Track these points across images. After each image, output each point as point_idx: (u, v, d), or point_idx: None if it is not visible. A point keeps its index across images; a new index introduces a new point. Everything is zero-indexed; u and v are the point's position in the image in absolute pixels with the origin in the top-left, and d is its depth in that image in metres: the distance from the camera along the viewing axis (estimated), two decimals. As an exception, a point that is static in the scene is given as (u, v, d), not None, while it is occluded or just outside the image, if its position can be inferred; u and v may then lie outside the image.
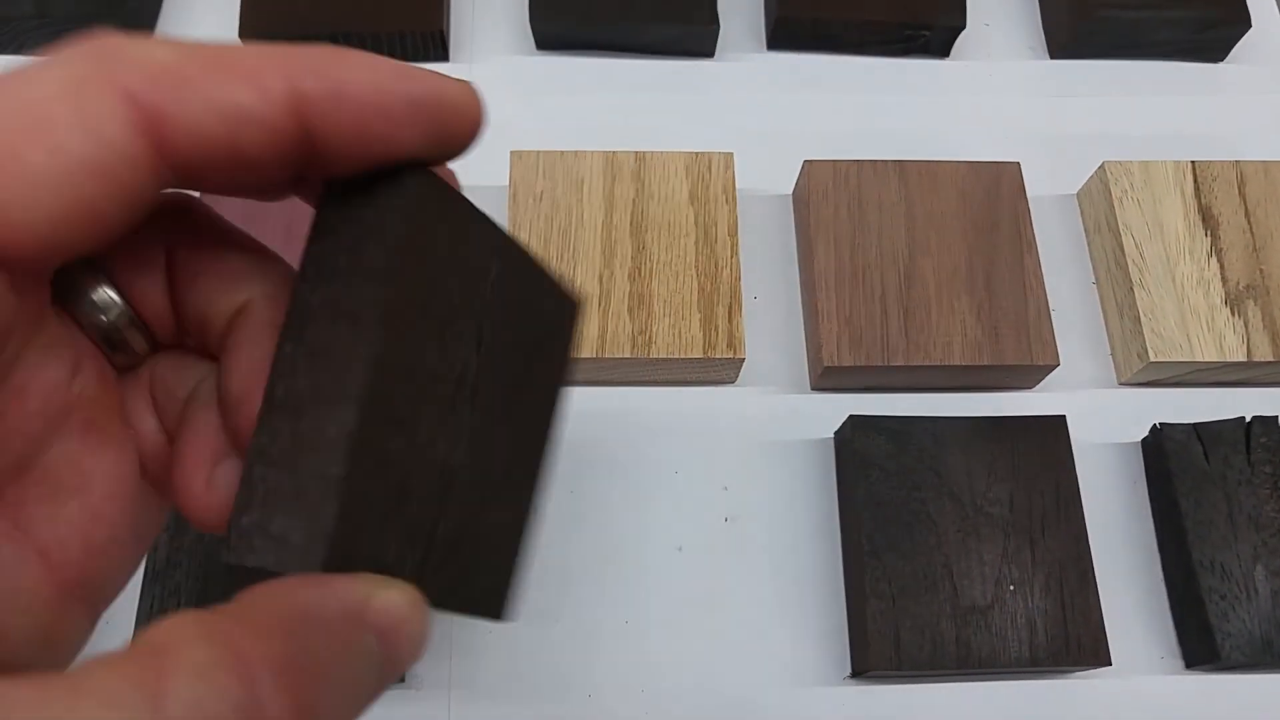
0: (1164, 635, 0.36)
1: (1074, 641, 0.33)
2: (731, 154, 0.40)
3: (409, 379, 0.17)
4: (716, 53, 0.45)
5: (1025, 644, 0.33)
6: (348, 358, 0.16)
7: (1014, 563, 0.34)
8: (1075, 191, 0.43)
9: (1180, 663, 0.35)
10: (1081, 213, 0.43)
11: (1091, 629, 0.34)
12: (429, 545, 0.18)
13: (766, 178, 0.42)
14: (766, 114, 0.44)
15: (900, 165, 0.40)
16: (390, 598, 0.16)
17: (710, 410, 0.38)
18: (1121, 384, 0.40)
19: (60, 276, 0.16)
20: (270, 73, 0.15)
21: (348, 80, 0.16)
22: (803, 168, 0.41)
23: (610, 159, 0.40)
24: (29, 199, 0.14)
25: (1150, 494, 0.38)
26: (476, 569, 0.20)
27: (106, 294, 0.17)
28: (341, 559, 0.15)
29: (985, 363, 0.37)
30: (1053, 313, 0.40)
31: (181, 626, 0.14)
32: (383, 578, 0.16)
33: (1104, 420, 0.39)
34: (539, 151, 0.40)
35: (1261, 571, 0.35)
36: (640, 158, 0.40)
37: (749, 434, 0.38)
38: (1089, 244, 0.42)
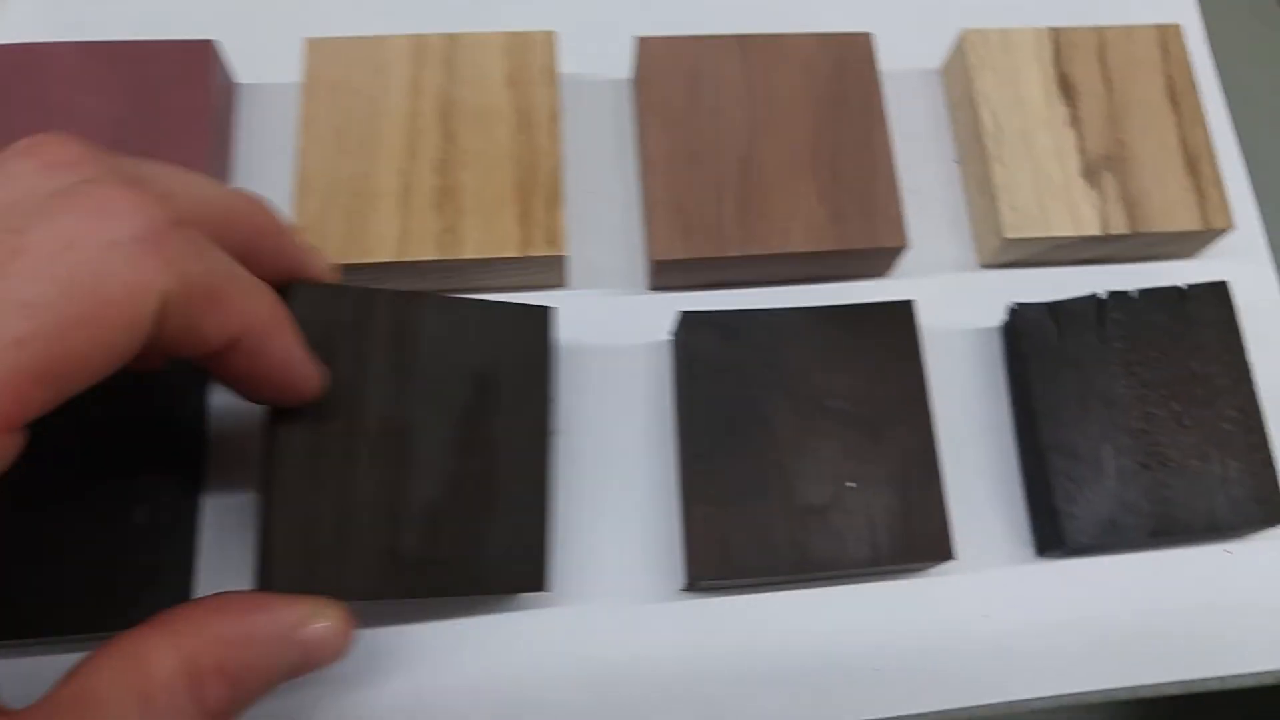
0: (1018, 525, 0.34)
1: (917, 537, 0.32)
2: (553, 32, 0.37)
3: (332, 447, 0.26)
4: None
5: (865, 543, 0.32)
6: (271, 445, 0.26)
7: (855, 459, 0.32)
8: (940, 65, 0.40)
9: (1032, 551, 0.34)
10: (945, 87, 0.40)
11: (935, 524, 0.32)
12: (399, 558, 0.27)
13: (604, 60, 0.39)
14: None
15: (742, 40, 0.37)
16: (317, 626, 0.24)
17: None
18: (983, 266, 0.38)
19: None
20: (233, 319, 0.23)
21: (266, 352, 0.24)
22: (636, 46, 0.37)
23: (418, 42, 0.36)
24: (59, 376, 0.19)
25: (1008, 379, 0.36)
26: (501, 556, 0.29)
27: None
28: (285, 583, 0.25)
29: (829, 248, 0.35)
30: (912, 194, 0.38)
31: (158, 647, 0.22)
32: (320, 602, 0.24)
33: (964, 304, 0.37)
34: (337, 38, 0.36)
35: (1109, 450, 0.33)
36: (452, 40, 0.36)
37: (579, 340, 0.35)
38: (952, 119, 0.39)
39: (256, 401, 0.25)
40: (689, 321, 0.34)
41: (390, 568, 0.27)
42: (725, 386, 0.33)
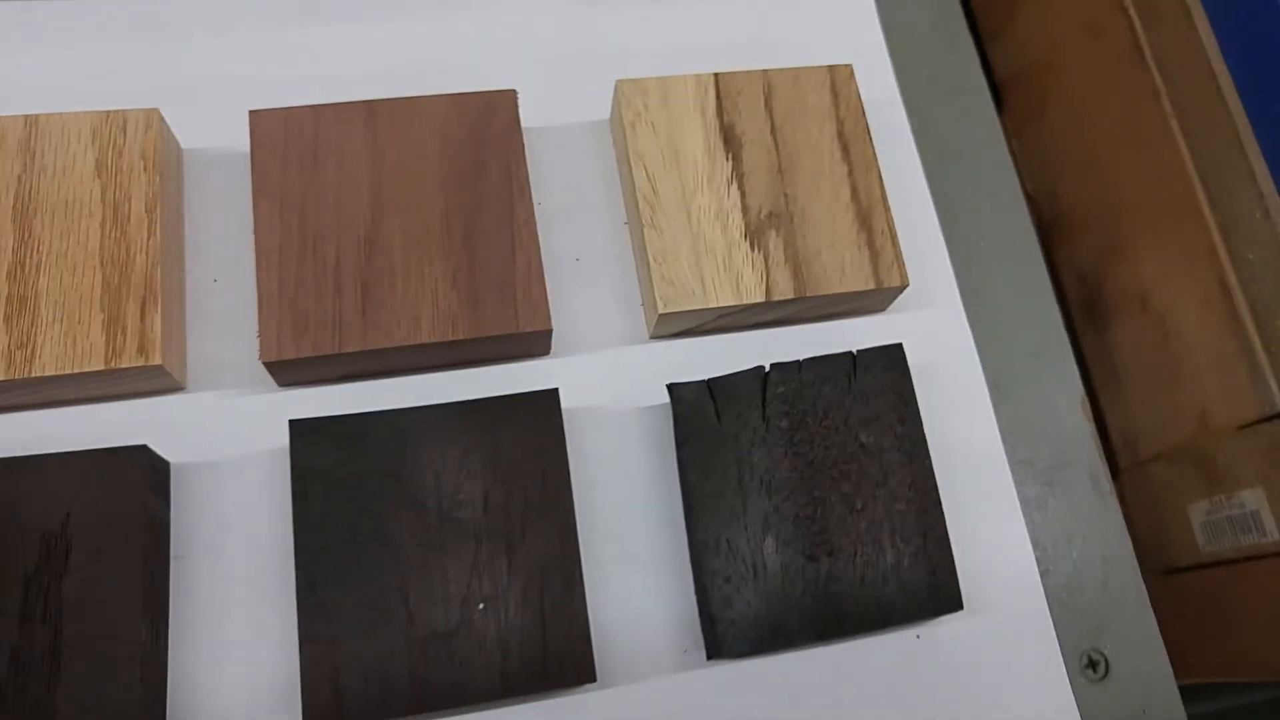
0: (691, 624, 0.31)
1: (554, 659, 0.28)
2: (157, 110, 0.33)
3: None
4: (173, -17, 0.37)
5: (496, 670, 0.28)
6: None
7: (485, 574, 0.29)
8: (607, 117, 0.37)
9: (704, 654, 0.31)
10: (613, 142, 0.37)
11: (576, 643, 0.29)
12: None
13: (221, 132, 0.35)
14: (220, 60, 0.36)
15: (370, 106, 0.34)
16: None
17: (133, 427, 0.31)
18: (652, 338, 0.35)
19: None
20: None
21: None
22: (250, 120, 0.33)
23: (-13, 128, 0.32)
24: None
25: (678, 463, 0.33)
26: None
27: None
28: None
29: (461, 336, 0.31)
30: (578, 261, 0.35)
31: None
32: None
33: (633, 380, 0.34)
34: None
35: (771, 543, 0.30)
36: (32, 122, 0.32)
37: (193, 457, 0.31)
38: (620, 177, 0.36)
39: None
40: (300, 431, 0.30)
41: None
42: (344, 503, 0.29)
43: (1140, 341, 0.48)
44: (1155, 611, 0.33)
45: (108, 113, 0.32)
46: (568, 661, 0.28)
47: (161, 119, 0.33)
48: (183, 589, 0.30)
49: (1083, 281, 0.51)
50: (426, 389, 0.33)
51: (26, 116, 0.32)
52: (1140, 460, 0.47)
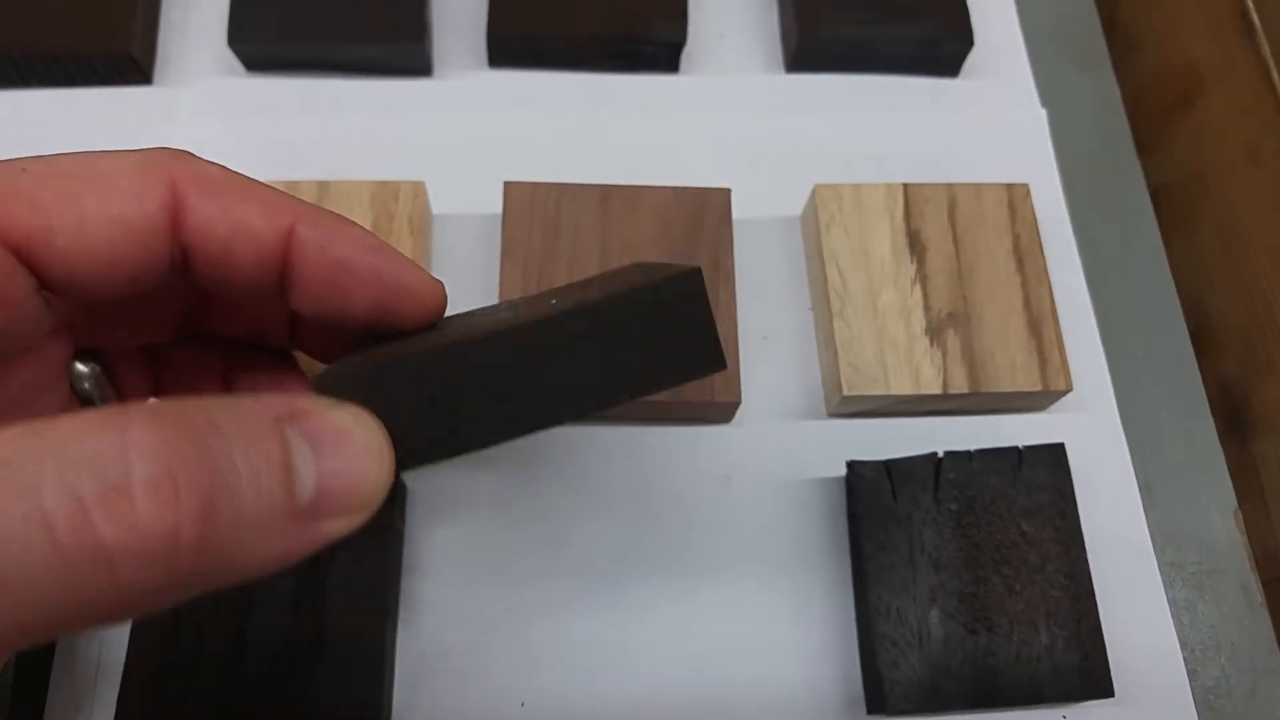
0: (854, 681, 0.35)
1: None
2: (422, 182, 0.38)
3: None
4: (435, 71, 0.43)
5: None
6: None
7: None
8: (800, 213, 0.42)
9: (864, 709, 0.34)
10: (803, 236, 0.41)
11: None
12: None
13: (472, 199, 0.40)
14: (481, 134, 0.42)
15: (604, 190, 0.39)
16: (330, 411, 0.17)
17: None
18: (829, 415, 0.38)
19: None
20: (281, 210, 0.20)
21: (336, 238, 0.20)
22: (504, 190, 0.39)
23: (290, 190, 0.38)
24: (76, 231, 0.18)
25: (849, 533, 0.37)
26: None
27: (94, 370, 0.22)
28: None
29: (663, 399, 0.35)
30: (764, 340, 0.39)
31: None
32: (335, 400, 0.18)
33: (811, 453, 0.37)
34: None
35: (936, 614, 0.33)
36: (323, 187, 0.38)
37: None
38: (808, 269, 0.41)
39: (375, 329, 0.22)
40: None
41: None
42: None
43: (1284, 457, 0.49)
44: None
45: (383, 181, 0.38)
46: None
47: (425, 190, 0.38)
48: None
49: (1227, 393, 0.53)
50: (619, 437, 0.37)
51: (320, 182, 0.38)
52: None
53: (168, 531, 0.14)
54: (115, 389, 0.23)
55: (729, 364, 0.36)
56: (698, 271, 0.21)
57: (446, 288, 0.23)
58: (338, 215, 0.21)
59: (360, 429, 0.17)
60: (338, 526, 0.17)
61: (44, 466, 0.13)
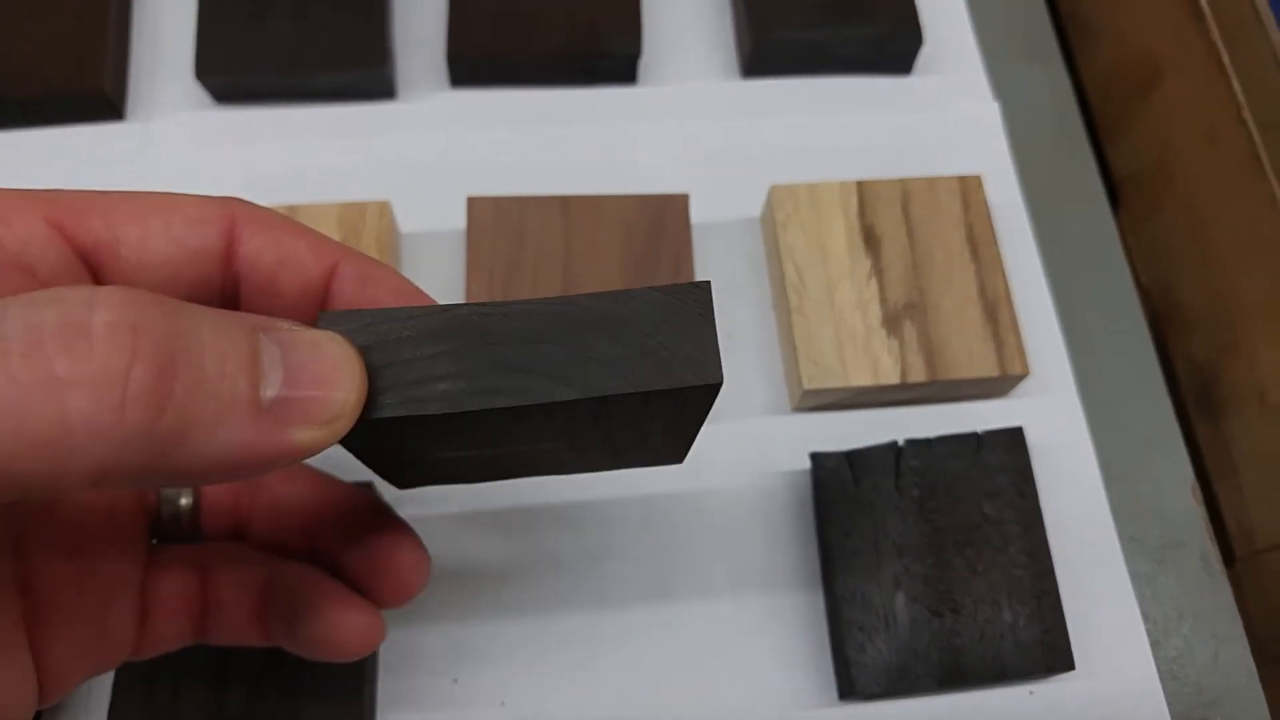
0: (825, 668, 0.35)
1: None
2: (387, 202, 0.39)
3: None
4: (399, 93, 0.44)
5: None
6: None
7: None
8: (758, 215, 0.43)
9: (835, 694, 0.35)
10: (762, 236, 0.42)
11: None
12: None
13: (437, 217, 0.41)
14: (445, 153, 0.43)
15: (565, 200, 0.40)
16: (305, 330, 0.17)
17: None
18: (794, 410, 0.39)
19: None
20: (328, 248, 0.22)
21: (376, 277, 0.22)
22: (467, 205, 0.40)
23: (259, 215, 0.39)
24: (139, 245, 0.20)
25: (815, 524, 0.37)
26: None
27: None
28: None
29: (633, 402, 0.36)
30: (728, 338, 0.40)
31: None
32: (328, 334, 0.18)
33: (777, 448, 0.38)
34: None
35: (901, 598, 0.34)
36: (293, 211, 0.39)
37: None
38: (769, 268, 0.42)
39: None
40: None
41: None
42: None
43: (1257, 434, 0.50)
44: (1267, 702, 0.35)
45: (349, 203, 0.39)
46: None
47: (391, 209, 0.39)
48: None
49: (1197, 374, 0.54)
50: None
51: (289, 206, 0.39)
52: (1257, 550, 0.49)
53: (121, 371, 0.14)
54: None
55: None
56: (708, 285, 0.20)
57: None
58: (380, 261, 0.23)
59: (330, 343, 0.17)
60: (304, 438, 0.16)
61: (11, 304, 0.14)
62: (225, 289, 0.21)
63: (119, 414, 0.14)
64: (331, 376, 0.17)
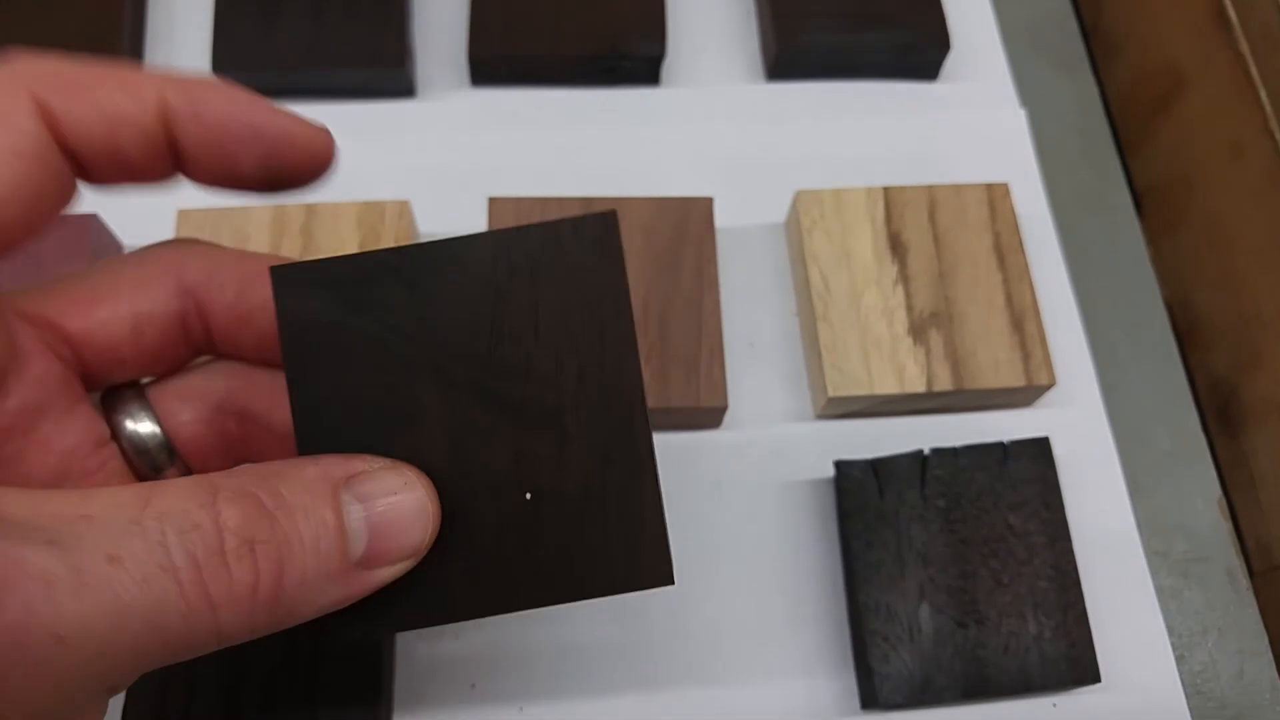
0: (848, 678, 0.35)
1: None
2: (407, 201, 0.39)
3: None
4: (419, 92, 0.44)
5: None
6: None
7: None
8: (783, 220, 0.42)
9: (858, 704, 0.34)
10: (786, 242, 0.42)
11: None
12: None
13: (457, 217, 0.41)
14: (465, 153, 0.43)
15: (587, 202, 0.39)
16: (382, 474, 0.19)
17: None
18: (817, 417, 0.39)
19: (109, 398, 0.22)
20: (146, 88, 0.19)
21: (206, 103, 0.19)
22: (487, 206, 0.39)
23: (278, 213, 0.38)
24: None
25: (839, 532, 0.37)
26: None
27: (151, 429, 0.23)
28: None
29: (652, 405, 0.36)
30: (751, 346, 0.40)
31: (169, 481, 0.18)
32: (388, 461, 0.20)
33: (799, 455, 0.38)
34: (206, 209, 0.38)
35: (926, 609, 0.34)
36: (310, 210, 0.39)
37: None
38: (793, 274, 0.41)
39: (273, 189, 0.21)
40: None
41: None
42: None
43: (1277, 450, 0.50)
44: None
45: (369, 202, 0.39)
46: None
47: (410, 209, 0.39)
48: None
49: (1217, 388, 0.53)
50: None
51: (308, 205, 0.39)
52: (1275, 565, 0.49)
53: (250, 589, 0.17)
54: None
55: (716, 371, 0.36)
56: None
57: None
58: (206, 79, 0.20)
59: (407, 492, 0.20)
60: (387, 574, 0.19)
61: (166, 531, 0.17)
62: (69, 179, 0.20)
63: (250, 616, 0.17)
64: (410, 526, 0.19)
